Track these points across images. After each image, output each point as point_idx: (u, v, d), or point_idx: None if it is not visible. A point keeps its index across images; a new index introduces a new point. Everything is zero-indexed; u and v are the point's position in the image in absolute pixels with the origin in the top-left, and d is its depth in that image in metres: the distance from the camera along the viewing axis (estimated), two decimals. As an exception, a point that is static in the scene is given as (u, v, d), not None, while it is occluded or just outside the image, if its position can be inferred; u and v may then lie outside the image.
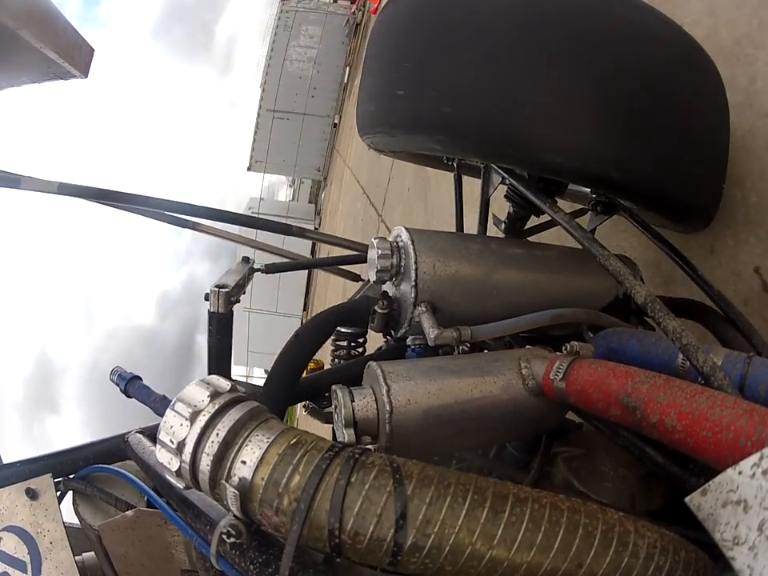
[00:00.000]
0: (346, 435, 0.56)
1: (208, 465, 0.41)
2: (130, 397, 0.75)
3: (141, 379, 0.76)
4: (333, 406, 0.60)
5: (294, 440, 0.41)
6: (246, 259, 1.04)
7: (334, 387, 0.59)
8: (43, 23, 0.83)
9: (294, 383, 0.72)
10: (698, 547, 0.39)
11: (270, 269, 1.11)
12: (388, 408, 0.57)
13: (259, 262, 1.08)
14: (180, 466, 0.42)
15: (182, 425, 0.42)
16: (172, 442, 0.42)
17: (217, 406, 0.42)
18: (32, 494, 0.73)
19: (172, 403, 0.43)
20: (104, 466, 0.78)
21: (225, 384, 0.45)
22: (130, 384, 0.75)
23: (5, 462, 0.79)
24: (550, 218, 0.83)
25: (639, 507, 0.67)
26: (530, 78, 0.69)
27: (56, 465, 0.78)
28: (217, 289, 0.90)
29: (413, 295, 0.70)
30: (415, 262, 0.70)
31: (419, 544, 0.36)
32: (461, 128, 0.73)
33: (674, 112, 0.75)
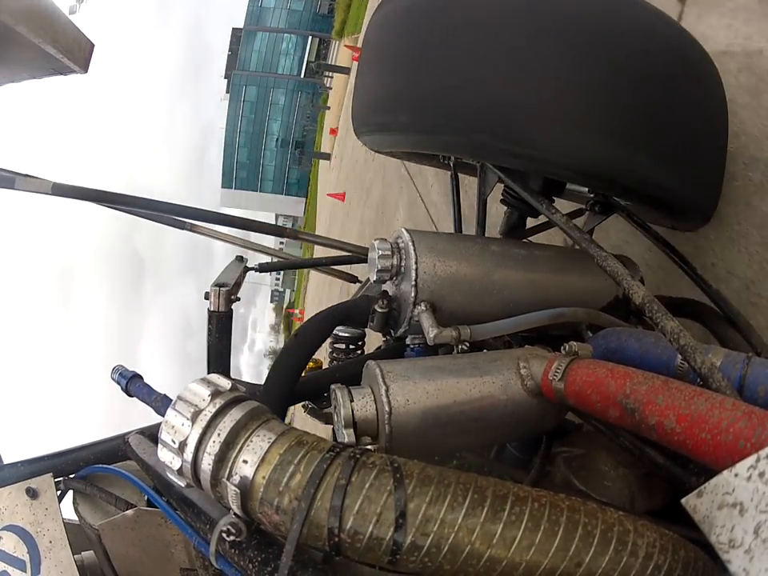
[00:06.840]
0: (346, 435, 0.56)
1: (209, 464, 0.41)
2: (131, 396, 0.75)
3: (142, 378, 0.76)
4: (332, 407, 0.60)
5: (296, 440, 0.42)
6: (239, 258, 1.04)
7: (332, 387, 0.59)
8: (41, 19, 0.84)
9: (294, 383, 0.72)
10: (699, 547, 0.39)
11: (263, 268, 1.12)
12: (387, 408, 0.57)
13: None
14: (182, 465, 0.42)
15: (183, 424, 0.42)
16: (174, 442, 0.42)
17: (218, 406, 0.43)
18: (32, 494, 0.73)
19: (173, 402, 0.44)
20: (104, 465, 0.78)
21: (225, 383, 0.45)
22: (131, 382, 0.75)
23: (6, 461, 0.79)
24: (548, 219, 0.83)
25: (639, 506, 0.67)
26: (529, 77, 0.69)
27: (57, 465, 0.78)
28: (217, 288, 0.90)
29: (413, 294, 0.70)
30: (416, 262, 0.70)
31: (418, 543, 0.37)
32: (459, 128, 0.73)
33: (673, 109, 0.75)
